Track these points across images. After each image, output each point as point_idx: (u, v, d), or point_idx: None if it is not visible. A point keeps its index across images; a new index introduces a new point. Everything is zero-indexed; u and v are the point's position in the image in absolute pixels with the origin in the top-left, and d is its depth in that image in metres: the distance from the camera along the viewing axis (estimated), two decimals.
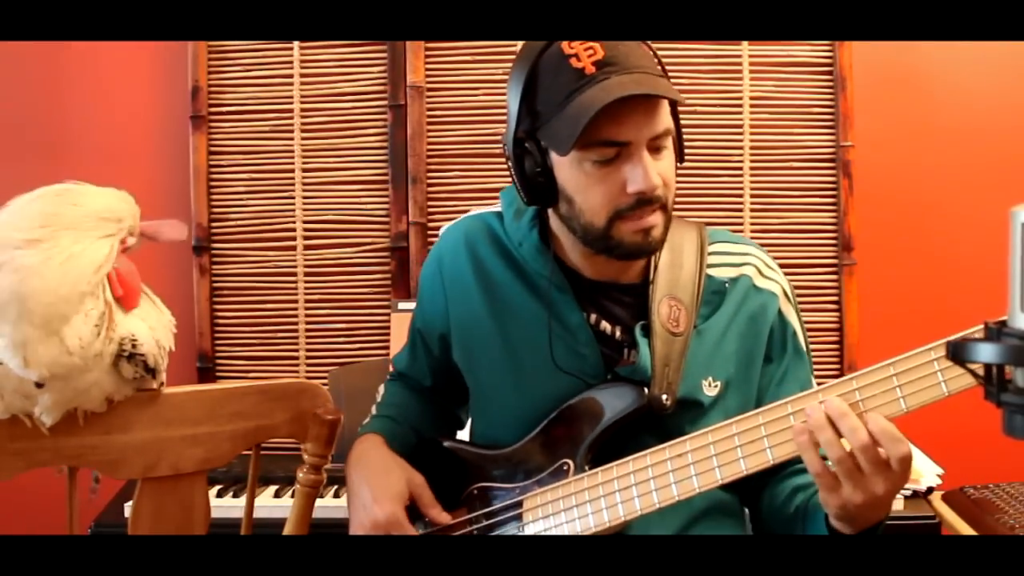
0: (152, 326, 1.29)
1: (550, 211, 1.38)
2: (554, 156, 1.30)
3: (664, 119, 1.28)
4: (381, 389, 1.59)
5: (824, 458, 1.15)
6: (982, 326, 0.81)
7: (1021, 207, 0.76)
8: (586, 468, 1.32)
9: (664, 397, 1.32)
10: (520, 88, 1.30)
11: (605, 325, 1.38)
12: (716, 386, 1.36)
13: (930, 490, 2.00)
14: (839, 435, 1.13)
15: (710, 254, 1.41)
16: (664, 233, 1.32)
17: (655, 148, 1.28)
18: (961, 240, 2.52)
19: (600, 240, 1.32)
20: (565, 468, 1.34)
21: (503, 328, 1.41)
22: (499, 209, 1.47)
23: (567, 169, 1.30)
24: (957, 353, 0.80)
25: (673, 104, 1.30)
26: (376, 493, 1.35)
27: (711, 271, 1.40)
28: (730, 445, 1.22)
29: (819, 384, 1.42)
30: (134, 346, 1.24)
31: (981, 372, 0.80)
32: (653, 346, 1.33)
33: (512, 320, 1.41)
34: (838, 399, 1.15)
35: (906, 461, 1.12)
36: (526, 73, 1.29)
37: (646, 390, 1.32)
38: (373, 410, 1.55)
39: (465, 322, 1.45)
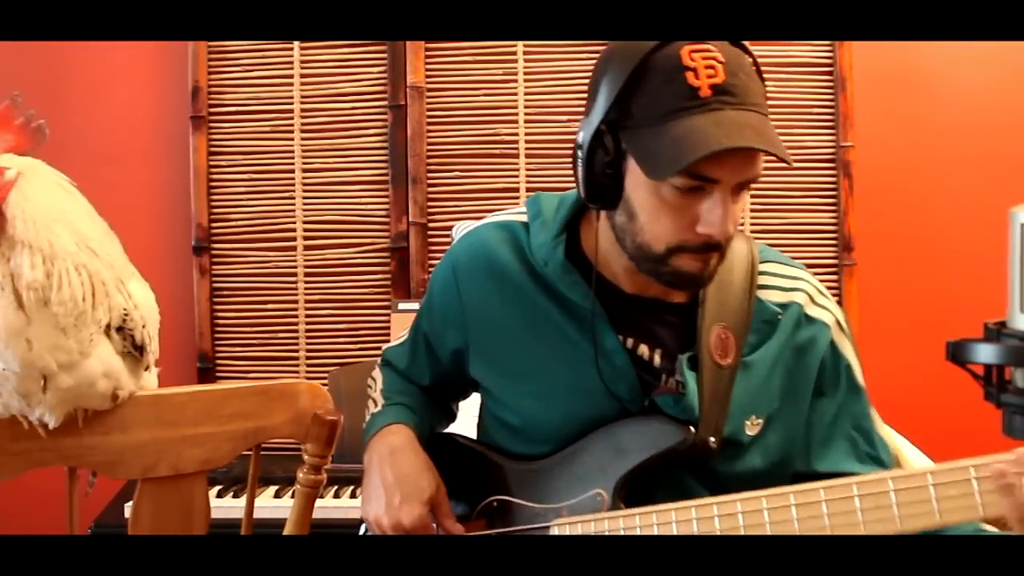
0: (143, 304, 1.28)
1: (601, 214, 1.27)
2: (631, 163, 1.20)
3: (760, 165, 1.18)
4: (378, 375, 1.50)
5: None
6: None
7: (1021, 208, 0.76)
8: (619, 503, 1.26)
9: (711, 440, 1.24)
10: (621, 79, 1.17)
11: (643, 349, 1.30)
12: (758, 424, 1.28)
13: None
14: None
15: (760, 274, 1.31)
16: (716, 269, 1.24)
17: (738, 189, 1.19)
18: (961, 240, 2.52)
19: (651, 263, 1.23)
20: (598, 499, 1.27)
21: (533, 346, 1.33)
22: (524, 219, 1.37)
23: (642, 185, 1.19)
24: (957, 353, 0.80)
25: None
26: (406, 494, 1.30)
27: (761, 293, 1.30)
28: (786, 516, 1.15)
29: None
30: (125, 319, 1.24)
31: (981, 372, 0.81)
32: (701, 381, 1.25)
33: (542, 338, 1.32)
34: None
35: None
36: (633, 66, 1.16)
37: (692, 429, 1.24)
38: (379, 397, 1.46)
39: (488, 340, 1.36)
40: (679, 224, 1.19)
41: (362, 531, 1.45)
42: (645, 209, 1.20)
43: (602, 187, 1.22)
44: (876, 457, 1.31)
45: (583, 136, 1.23)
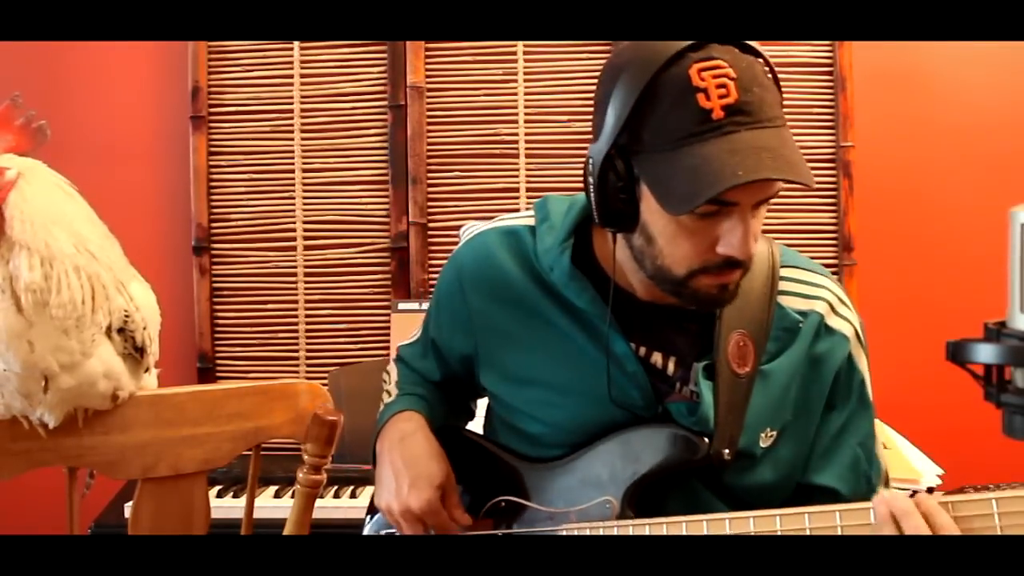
0: (144, 306, 1.29)
1: (618, 235, 1.23)
2: (645, 189, 1.15)
3: (780, 182, 1.15)
4: (393, 369, 1.49)
5: None
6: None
7: (1020, 208, 0.76)
8: (629, 511, 1.24)
9: (726, 452, 1.21)
10: (629, 101, 1.11)
11: (656, 357, 1.26)
12: (771, 436, 1.25)
13: (930, 490, 2.00)
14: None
15: (781, 279, 1.27)
16: (738, 286, 1.20)
17: (757, 206, 1.16)
18: (961, 240, 2.52)
19: (671, 285, 1.19)
20: (608, 506, 1.25)
21: (540, 354, 1.30)
22: (532, 223, 1.32)
23: (658, 211, 1.14)
24: (957, 353, 0.80)
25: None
26: (415, 478, 1.28)
27: (781, 299, 1.26)
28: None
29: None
30: (126, 321, 1.25)
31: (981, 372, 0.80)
32: (717, 392, 1.22)
33: (550, 346, 1.29)
34: (903, 498, 1.08)
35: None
36: (641, 87, 1.11)
37: (707, 440, 1.22)
38: (393, 388, 1.45)
39: (496, 349, 1.34)
40: (699, 247, 1.15)
41: (365, 531, 1.45)
42: (663, 235, 1.16)
43: (617, 212, 1.17)
44: (869, 478, 1.31)
45: (593, 160, 1.18)
